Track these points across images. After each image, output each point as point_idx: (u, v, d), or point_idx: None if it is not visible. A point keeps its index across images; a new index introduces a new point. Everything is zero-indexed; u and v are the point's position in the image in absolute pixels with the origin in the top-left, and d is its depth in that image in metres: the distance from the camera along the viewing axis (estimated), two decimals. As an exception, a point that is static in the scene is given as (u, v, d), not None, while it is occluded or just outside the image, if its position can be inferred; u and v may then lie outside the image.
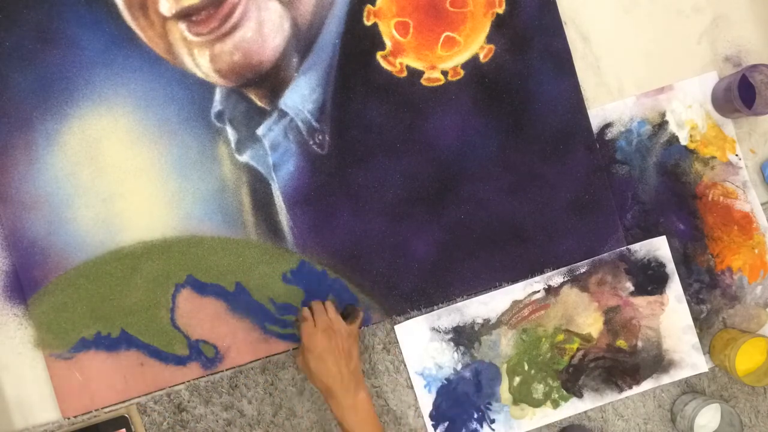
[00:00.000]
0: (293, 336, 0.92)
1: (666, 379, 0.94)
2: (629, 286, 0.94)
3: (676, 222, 0.95)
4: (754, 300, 0.96)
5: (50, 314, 0.90)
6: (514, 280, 0.94)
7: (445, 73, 0.93)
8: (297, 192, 0.93)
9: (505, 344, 0.94)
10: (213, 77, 0.91)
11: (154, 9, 0.91)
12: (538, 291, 0.94)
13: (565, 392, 0.94)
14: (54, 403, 0.91)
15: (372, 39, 0.92)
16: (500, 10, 0.93)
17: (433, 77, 0.93)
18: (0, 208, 0.90)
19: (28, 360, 0.91)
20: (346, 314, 0.91)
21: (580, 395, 0.94)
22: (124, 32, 0.91)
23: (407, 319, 0.93)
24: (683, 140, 0.95)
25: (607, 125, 0.95)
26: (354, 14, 0.92)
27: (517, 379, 0.94)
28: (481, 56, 0.94)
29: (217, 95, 0.92)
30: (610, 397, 0.94)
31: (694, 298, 0.95)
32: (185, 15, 0.91)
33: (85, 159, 0.91)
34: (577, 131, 0.94)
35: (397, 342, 0.93)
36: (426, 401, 0.93)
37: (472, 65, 0.93)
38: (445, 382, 0.93)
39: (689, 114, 0.95)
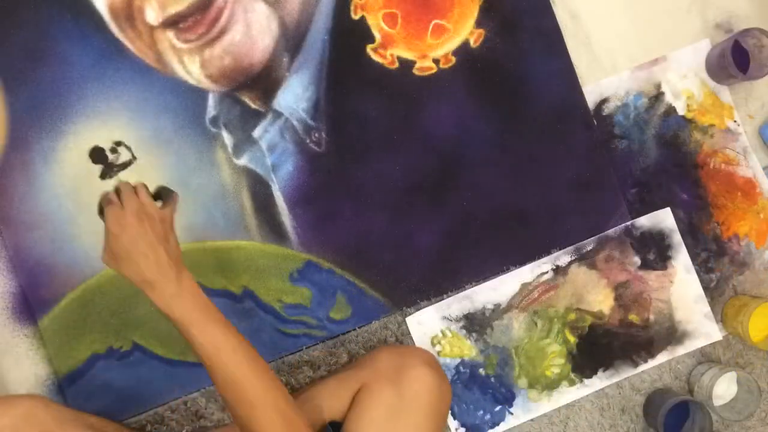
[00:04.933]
0: (305, 336, 0.92)
1: (680, 351, 0.94)
2: (637, 260, 0.94)
3: (679, 192, 0.95)
4: (763, 265, 0.96)
5: (60, 332, 0.90)
6: (522, 263, 0.94)
7: (436, 61, 0.93)
8: (297, 191, 0.92)
9: (517, 328, 0.94)
10: (205, 83, 0.91)
11: (141, 19, 0.90)
12: (546, 272, 0.94)
13: (580, 371, 0.94)
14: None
15: (361, 32, 0.92)
16: (487, -6, 0.93)
17: (425, 66, 0.93)
18: (2, 230, 0.90)
19: (42, 380, 0.91)
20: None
21: (595, 373, 0.94)
22: (113, 45, 0.91)
23: (417, 310, 0.93)
24: (680, 110, 0.95)
25: (604, 101, 0.95)
26: (341, 9, 0.92)
27: (532, 362, 0.93)
28: (472, 41, 0.93)
29: (211, 100, 0.91)
30: (626, 372, 0.94)
31: (702, 268, 0.95)
32: (172, 23, 0.90)
33: (84, 174, 0.91)
34: (574, 109, 0.94)
35: (409, 333, 0.93)
36: (442, 391, 0.93)
37: (463, 51, 0.93)
38: (460, 369, 0.93)
39: (685, 83, 0.95)
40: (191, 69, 0.91)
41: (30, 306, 0.90)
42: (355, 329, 0.93)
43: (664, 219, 0.94)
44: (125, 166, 0.91)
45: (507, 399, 0.93)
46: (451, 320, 0.93)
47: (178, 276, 0.71)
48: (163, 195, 0.80)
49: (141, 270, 0.71)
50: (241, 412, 0.69)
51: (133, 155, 0.91)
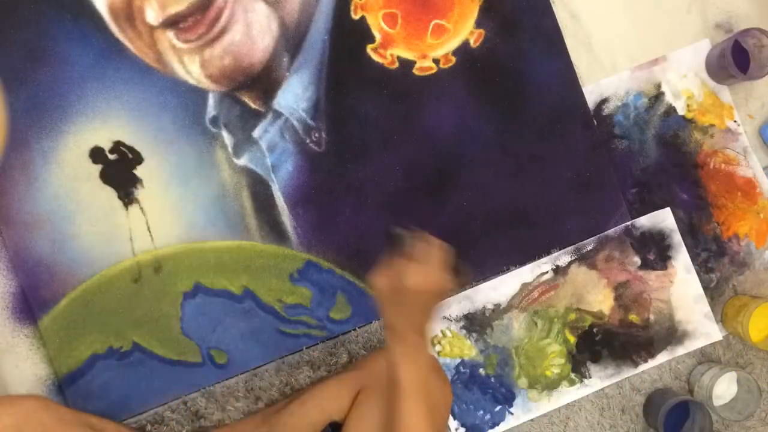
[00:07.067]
0: (305, 336, 0.92)
1: (680, 351, 0.94)
2: (637, 260, 0.94)
3: (680, 192, 0.95)
4: (763, 265, 0.96)
5: (61, 332, 0.90)
6: (522, 263, 0.94)
7: (436, 61, 0.93)
8: (297, 191, 0.92)
9: (517, 328, 0.93)
10: (205, 83, 0.91)
11: (141, 19, 0.90)
12: (546, 272, 0.94)
13: (580, 371, 0.94)
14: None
15: (361, 32, 0.92)
16: (487, -6, 0.93)
17: (425, 66, 0.93)
18: (2, 230, 0.90)
19: (42, 380, 0.91)
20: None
21: (595, 373, 0.94)
22: (113, 45, 0.91)
23: (417, 310, 0.93)
24: (680, 110, 0.95)
25: (604, 101, 0.95)
26: (341, 9, 0.92)
27: (532, 362, 0.93)
28: (472, 41, 0.93)
29: (211, 100, 0.91)
30: (627, 372, 0.94)
31: (702, 268, 0.95)
32: (172, 23, 0.90)
33: (84, 174, 0.91)
34: (574, 109, 0.94)
35: (409, 334, 0.93)
36: (442, 391, 0.93)
37: (463, 51, 0.93)
38: (460, 369, 0.93)
39: (685, 83, 0.95)
40: (191, 69, 0.91)
41: (30, 306, 0.90)
42: (355, 329, 0.93)
43: (664, 219, 0.94)
44: (129, 167, 0.91)
45: (507, 399, 0.93)
46: (451, 320, 0.93)
47: (416, 343, 0.74)
48: (460, 269, 0.82)
49: (391, 319, 0.75)
50: None
51: (133, 155, 0.91)
